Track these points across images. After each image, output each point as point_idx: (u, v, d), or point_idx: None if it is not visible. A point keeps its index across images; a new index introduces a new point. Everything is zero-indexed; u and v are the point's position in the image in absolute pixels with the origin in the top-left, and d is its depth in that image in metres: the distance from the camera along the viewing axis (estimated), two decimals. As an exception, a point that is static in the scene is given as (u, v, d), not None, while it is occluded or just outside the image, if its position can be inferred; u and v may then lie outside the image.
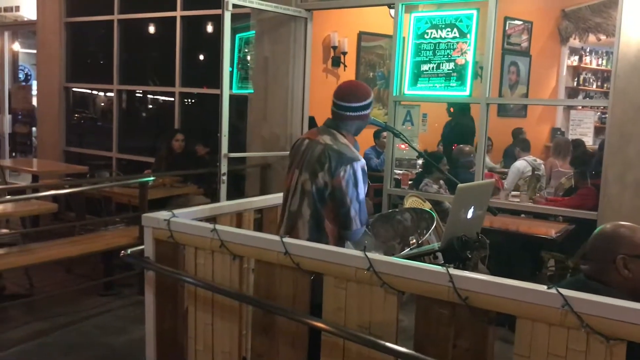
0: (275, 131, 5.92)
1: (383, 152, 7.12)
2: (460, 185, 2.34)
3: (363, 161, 2.67)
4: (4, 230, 5.45)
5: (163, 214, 2.67)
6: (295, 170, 2.74)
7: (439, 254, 2.51)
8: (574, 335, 1.72)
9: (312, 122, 6.00)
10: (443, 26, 5.12)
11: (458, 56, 5.04)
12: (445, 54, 5.09)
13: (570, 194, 5.42)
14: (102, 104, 8.43)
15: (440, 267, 1.94)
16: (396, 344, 2.02)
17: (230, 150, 5.15)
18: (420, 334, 2.03)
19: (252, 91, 6.13)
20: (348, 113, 2.68)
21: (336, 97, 2.72)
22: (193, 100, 7.23)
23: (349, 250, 2.23)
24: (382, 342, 1.99)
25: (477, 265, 2.60)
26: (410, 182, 5.95)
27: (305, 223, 2.68)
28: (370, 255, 2.06)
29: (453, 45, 5.05)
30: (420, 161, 6.52)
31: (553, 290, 1.73)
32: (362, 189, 2.64)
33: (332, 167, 2.59)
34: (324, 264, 2.18)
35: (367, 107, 2.70)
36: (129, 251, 2.73)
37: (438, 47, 5.13)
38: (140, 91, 7.89)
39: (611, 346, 1.66)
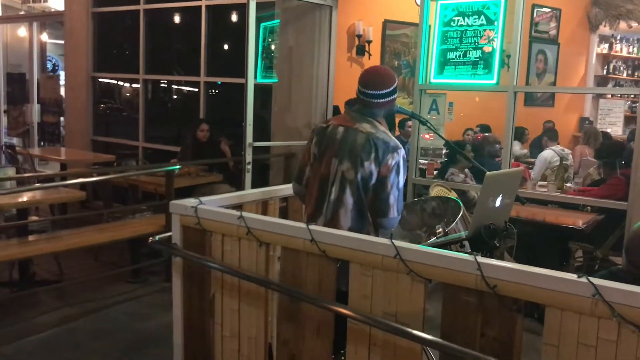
0: (299, 121, 5.92)
1: (408, 142, 7.08)
2: (488, 173, 2.32)
3: (403, 150, 2.67)
4: (34, 218, 5.55)
5: (190, 202, 2.70)
6: (333, 158, 2.69)
7: (466, 243, 2.49)
8: (605, 325, 1.70)
9: (336, 111, 5.99)
10: (470, 13, 5.06)
11: (485, 44, 4.97)
12: (472, 41, 5.03)
13: (598, 185, 5.34)
14: (128, 94, 8.51)
15: (468, 255, 1.93)
16: (423, 332, 2.01)
17: (255, 139, 5.16)
18: (447, 322, 2.02)
19: (277, 80, 6.14)
20: (377, 100, 2.67)
21: (363, 85, 2.70)
22: (218, 90, 7.26)
23: (375, 238, 2.22)
24: (409, 329, 1.99)
25: (503, 255, 2.58)
26: (435, 172, 5.91)
27: (348, 212, 2.66)
28: (397, 242, 2.06)
29: (480, 32, 4.98)
30: (445, 150, 6.47)
31: (584, 279, 1.70)
32: (403, 178, 2.64)
33: (380, 155, 2.58)
34: (350, 251, 2.18)
35: (394, 91, 2.70)
36: (157, 238, 2.76)
37: (465, 34, 5.07)
38: (166, 81, 7.94)
39: (643, 336, 1.64)
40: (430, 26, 5.26)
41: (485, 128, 7.52)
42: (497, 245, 2.31)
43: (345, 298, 2.23)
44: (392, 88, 2.68)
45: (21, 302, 4.53)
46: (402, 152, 2.64)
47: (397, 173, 2.60)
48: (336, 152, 2.68)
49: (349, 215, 2.65)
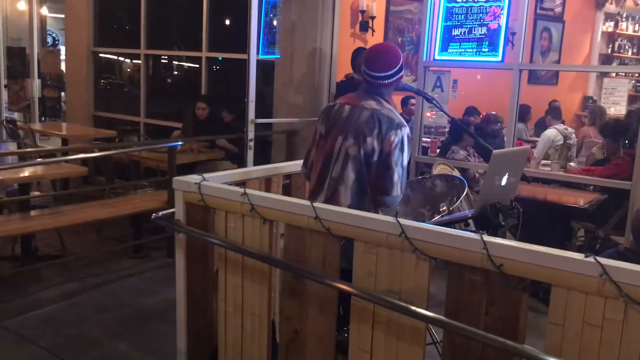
0: (302, 97, 5.87)
1: (411, 120, 7.04)
2: (495, 151, 2.30)
3: (408, 128, 2.65)
4: (36, 193, 5.53)
5: (194, 178, 2.68)
6: (338, 136, 2.69)
7: (471, 221, 2.49)
8: (611, 305, 1.69)
9: (338, 87, 5.94)
10: (476, -11, 4.99)
11: (491, 20, 4.91)
12: (478, 18, 4.97)
13: (602, 164, 5.32)
14: (129, 69, 8.44)
15: (474, 233, 1.92)
16: (427, 310, 2.01)
17: (257, 116, 5.13)
18: (452, 300, 2.02)
19: (279, 57, 6.08)
20: (384, 81, 2.66)
21: (368, 67, 2.68)
22: (220, 66, 7.19)
23: (380, 216, 2.21)
24: (414, 307, 1.99)
25: (505, 235, 2.57)
26: (437, 150, 5.89)
27: (348, 188, 2.66)
28: (402, 220, 2.04)
29: (486, 9, 4.92)
30: (447, 128, 6.43)
31: (591, 259, 1.69)
32: (407, 156, 2.63)
33: (383, 131, 2.57)
34: (355, 229, 2.17)
35: (400, 69, 2.68)
36: (160, 214, 2.75)
37: (470, 11, 5.01)
38: (167, 56, 7.87)
39: (650, 316, 1.63)
40: (435, 2, 5.19)
41: (473, 110, 7.42)
42: (503, 223, 2.30)
43: (348, 276, 2.23)
44: (397, 67, 2.67)
45: (24, 277, 4.54)
46: (406, 129, 2.62)
47: (402, 150, 2.58)
48: (341, 130, 2.68)
49: (349, 192, 2.65)
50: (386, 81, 2.66)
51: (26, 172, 4.80)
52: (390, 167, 2.58)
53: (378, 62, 2.66)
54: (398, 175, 2.59)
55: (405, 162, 2.64)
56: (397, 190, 2.60)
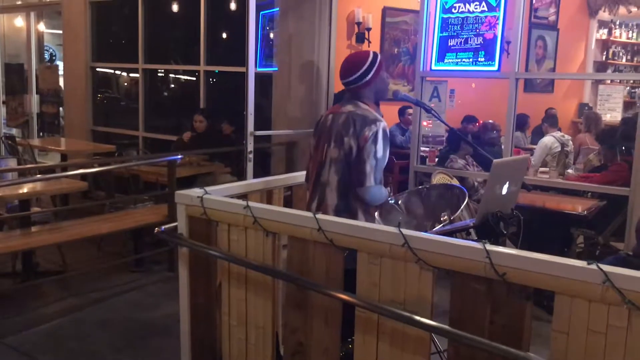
0: (300, 109, 5.91)
1: (408, 129, 7.07)
2: (495, 160, 2.32)
3: (385, 123, 2.75)
4: (36, 209, 5.53)
5: (196, 191, 2.69)
6: (325, 145, 2.83)
7: (472, 230, 2.50)
8: (615, 312, 1.70)
9: (335, 99, 5.97)
10: (471, 0, 5.03)
11: (486, 30, 4.96)
12: (474, 28, 5.01)
13: (599, 171, 5.34)
14: (126, 84, 8.47)
15: (476, 242, 1.93)
16: (431, 319, 2.02)
17: (256, 128, 5.16)
18: (456, 310, 2.03)
19: (277, 69, 6.11)
20: (354, 85, 2.81)
21: (340, 76, 2.86)
22: (218, 79, 7.23)
23: (383, 227, 2.23)
24: (418, 317, 2.00)
25: (505, 243, 2.59)
26: (436, 159, 5.91)
27: (333, 190, 2.78)
28: (405, 231, 2.06)
29: (481, 19, 4.96)
30: (445, 137, 6.46)
31: (594, 266, 1.71)
32: (381, 148, 2.70)
33: (357, 129, 2.70)
34: (358, 240, 2.18)
35: (368, 71, 2.78)
36: (162, 228, 2.76)
37: (466, 21, 5.05)
38: (166, 70, 7.90)
39: (653, 322, 1.64)
40: (430, 13, 5.24)
41: (471, 118, 7.47)
42: (504, 232, 2.32)
43: (351, 275, 2.24)
44: (363, 69, 2.78)
45: (25, 293, 4.54)
46: (381, 124, 2.71)
47: (374, 142, 2.68)
48: (326, 139, 2.83)
49: (335, 193, 2.78)
50: (357, 84, 2.79)
51: (26, 188, 4.80)
52: (363, 159, 2.68)
53: (345, 69, 2.83)
54: (370, 166, 2.68)
55: (380, 154, 2.70)
56: (370, 181, 2.68)
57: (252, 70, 5.05)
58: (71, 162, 6.50)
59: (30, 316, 4.21)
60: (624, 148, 5.22)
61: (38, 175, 5.38)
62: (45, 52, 10.78)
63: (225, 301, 2.69)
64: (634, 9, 8.76)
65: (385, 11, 7.62)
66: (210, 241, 2.70)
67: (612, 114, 8.66)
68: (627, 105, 9.10)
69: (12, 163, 5.50)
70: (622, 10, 8.96)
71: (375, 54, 2.86)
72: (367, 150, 2.67)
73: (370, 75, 2.79)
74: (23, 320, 4.12)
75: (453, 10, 5.13)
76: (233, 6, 6.99)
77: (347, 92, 2.90)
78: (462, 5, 5.09)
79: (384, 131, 2.71)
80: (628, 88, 9.42)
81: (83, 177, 5.74)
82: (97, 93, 8.36)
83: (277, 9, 6.03)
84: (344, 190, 2.75)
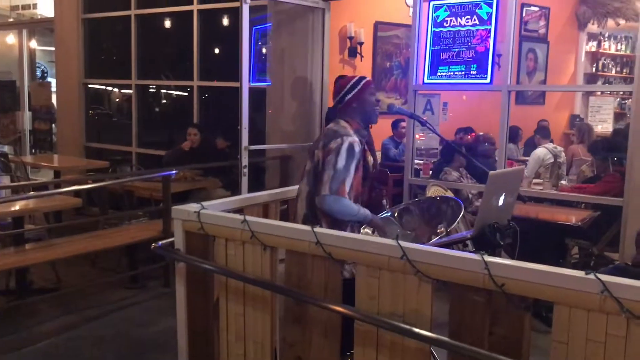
0: (294, 123, 5.93)
1: (401, 142, 7.10)
2: (491, 172, 2.34)
3: (356, 140, 2.81)
4: (30, 226, 5.50)
5: (193, 206, 2.69)
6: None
7: (469, 242, 2.51)
8: (614, 321, 1.71)
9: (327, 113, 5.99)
10: (462, 14, 5.09)
11: (478, 44, 5.00)
12: (465, 41, 5.06)
13: (592, 182, 5.38)
14: (119, 100, 8.48)
15: (474, 254, 1.94)
16: (431, 332, 2.02)
17: (250, 142, 5.17)
18: (455, 321, 2.03)
19: (270, 83, 6.14)
20: (338, 105, 2.97)
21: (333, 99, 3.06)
22: (211, 94, 7.24)
23: (381, 239, 2.23)
24: (418, 330, 2.00)
25: (501, 254, 2.60)
26: (430, 172, 5.93)
27: (303, 199, 2.88)
28: (404, 243, 2.07)
29: (473, 33, 5.01)
30: (439, 149, 6.50)
31: (592, 276, 1.72)
32: (343, 160, 2.74)
33: (326, 142, 2.80)
34: (357, 253, 2.19)
35: (348, 92, 2.92)
36: (159, 243, 2.75)
37: (458, 35, 5.10)
38: (159, 86, 7.92)
39: (652, 331, 1.66)
40: (422, 27, 5.28)
41: (465, 129, 7.53)
42: (502, 243, 2.33)
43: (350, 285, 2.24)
44: (344, 91, 2.95)
45: (19, 311, 4.49)
46: (349, 139, 2.78)
47: (336, 154, 2.75)
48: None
49: (304, 203, 2.88)
50: (340, 105, 2.97)
51: (19, 206, 4.78)
52: (323, 169, 2.76)
53: (333, 91, 3.08)
54: (328, 175, 2.73)
55: (340, 165, 2.73)
56: (325, 190, 2.72)
57: (245, 85, 5.08)
58: (64, 179, 6.47)
59: (25, 335, 4.17)
60: (616, 159, 5.27)
61: (31, 193, 5.35)
62: (37, 68, 10.80)
63: (223, 316, 2.69)
64: (622, 22, 8.86)
65: (377, 25, 7.67)
66: (207, 256, 2.70)
67: (603, 125, 8.73)
68: (618, 116, 9.18)
69: (5, 180, 5.47)
70: (610, 23, 9.07)
71: (360, 78, 2.98)
72: (328, 160, 2.75)
73: (349, 97, 2.92)
74: (18, 339, 4.08)
75: (444, 24, 5.18)
76: (226, 22, 7.03)
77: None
78: (453, 19, 5.14)
79: (350, 145, 2.76)
80: (618, 99, 9.50)
81: (76, 193, 5.72)
82: (89, 109, 8.35)
83: (269, 24, 6.07)
84: (312, 201, 2.83)
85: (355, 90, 2.92)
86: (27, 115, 9.25)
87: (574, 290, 1.76)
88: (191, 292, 2.79)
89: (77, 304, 4.70)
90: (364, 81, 2.96)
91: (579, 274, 1.76)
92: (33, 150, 9.47)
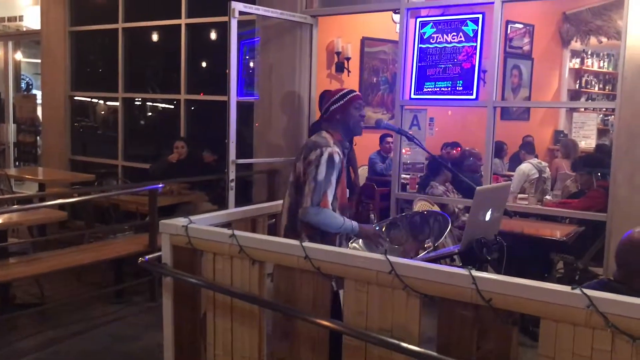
0: (281, 137, 5.94)
1: (388, 157, 7.14)
2: (478, 188, 2.36)
3: (336, 150, 2.82)
4: (14, 240, 5.45)
5: (181, 221, 2.69)
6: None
7: (456, 256, 2.53)
8: (599, 335, 1.73)
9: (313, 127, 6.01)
10: (448, 30, 5.15)
11: (464, 60, 5.06)
12: (451, 58, 5.11)
13: (577, 197, 5.44)
14: (104, 112, 8.44)
15: (462, 269, 1.96)
16: (419, 346, 2.03)
17: (237, 156, 5.17)
18: (443, 336, 2.04)
19: (257, 97, 6.16)
20: (324, 116, 3.01)
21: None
22: (199, 108, 7.24)
23: (369, 254, 2.24)
24: (406, 344, 2.01)
25: (487, 269, 2.62)
26: (416, 186, 5.96)
27: (285, 211, 2.91)
28: (392, 258, 2.08)
29: (459, 50, 5.07)
30: (425, 163, 6.53)
31: (577, 291, 1.74)
32: (323, 171, 2.75)
33: (307, 154, 2.82)
34: (345, 267, 2.20)
35: (333, 103, 2.95)
36: (146, 258, 2.74)
37: (444, 51, 5.16)
38: (145, 99, 7.90)
39: (637, 346, 1.68)
40: (409, 44, 5.34)
41: (451, 144, 7.61)
42: (489, 258, 2.35)
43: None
44: (330, 102, 2.97)
45: (1, 326, 4.43)
46: (329, 150, 2.79)
47: (317, 165, 2.76)
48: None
49: (285, 215, 2.91)
50: (325, 115, 2.99)
51: (2, 219, 4.73)
52: (304, 181, 2.78)
53: (321, 103, 3.05)
54: (309, 188, 2.74)
55: (320, 177, 2.75)
56: (307, 202, 2.73)
57: (233, 98, 5.09)
58: (49, 192, 6.43)
59: (7, 351, 4.10)
60: (599, 174, 5.33)
61: (15, 206, 5.30)
62: (22, 80, 10.73)
63: (211, 331, 2.67)
64: (604, 40, 9.01)
65: (364, 41, 7.75)
66: (195, 270, 2.69)
67: (586, 141, 8.83)
68: (601, 132, 9.30)
69: (-10, 193, 5.42)
70: (593, 40, 9.22)
71: (348, 92, 2.99)
72: (308, 172, 2.77)
73: (334, 107, 2.93)
74: (0, 355, 4.02)
75: (431, 40, 5.24)
76: (214, 36, 7.05)
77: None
78: (439, 35, 5.20)
79: (330, 156, 2.77)
80: (601, 116, 9.63)
81: (61, 206, 5.68)
82: (75, 122, 8.30)
83: (258, 38, 6.10)
84: (293, 212, 2.85)
85: (341, 102, 2.93)
86: (12, 127, 9.18)
87: (560, 305, 1.78)
88: (178, 307, 2.78)
89: (62, 318, 4.64)
90: (351, 95, 2.96)
91: (565, 288, 1.78)
92: (17, 163, 9.39)
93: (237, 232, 2.49)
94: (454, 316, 2.00)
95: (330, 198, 2.75)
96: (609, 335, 1.72)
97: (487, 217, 2.43)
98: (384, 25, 7.54)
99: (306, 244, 2.29)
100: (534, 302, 1.82)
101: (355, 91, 3.03)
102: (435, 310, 2.08)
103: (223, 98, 5.46)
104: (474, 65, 5.02)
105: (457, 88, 5.13)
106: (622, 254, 2.14)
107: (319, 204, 2.71)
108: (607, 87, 10.06)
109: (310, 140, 2.91)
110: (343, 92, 2.98)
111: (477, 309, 1.94)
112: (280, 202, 3.48)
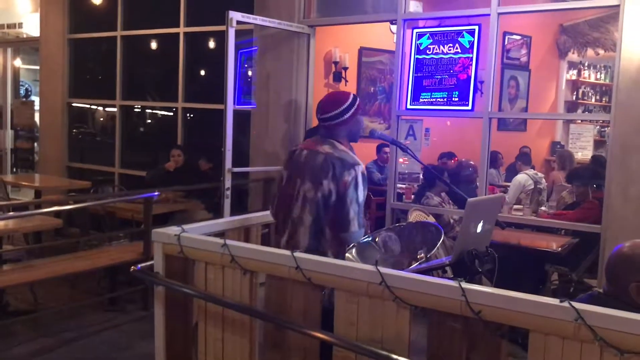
0: (278, 146, 5.95)
1: (385, 167, 7.15)
2: (470, 199, 2.36)
3: (362, 165, 2.79)
4: (8, 247, 5.44)
5: (173, 229, 2.69)
6: (297, 179, 2.84)
7: (448, 268, 2.52)
8: (588, 349, 1.73)
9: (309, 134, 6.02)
10: (445, 41, 5.18)
11: (460, 71, 5.08)
12: (448, 69, 5.14)
13: (572, 208, 5.45)
14: (101, 120, 8.45)
15: (452, 281, 1.96)
16: (409, 358, 2.03)
17: (233, 165, 5.18)
18: (433, 347, 2.04)
19: (254, 106, 6.17)
20: (331, 122, 2.84)
21: (318, 112, 2.90)
22: (196, 116, 7.26)
23: (360, 265, 2.25)
24: (395, 356, 2.00)
25: (481, 280, 2.62)
26: (412, 196, 5.97)
27: (306, 230, 2.79)
28: (383, 269, 2.08)
29: (455, 61, 5.09)
30: (421, 175, 6.55)
31: (566, 304, 1.74)
32: (362, 193, 2.75)
33: (337, 173, 2.72)
34: (336, 278, 2.20)
35: (346, 110, 2.83)
36: (139, 266, 2.74)
37: (440, 62, 5.18)
38: (143, 107, 7.91)
39: (625, 359, 1.68)
40: (405, 54, 5.36)
41: (448, 154, 7.61)
42: (480, 270, 2.35)
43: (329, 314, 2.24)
44: (342, 108, 2.83)
45: (-5, 333, 4.43)
46: (359, 168, 2.76)
47: (356, 188, 2.72)
48: (300, 174, 2.84)
49: (307, 234, 2.78)
50: (333, 122, 2.83)
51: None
52: (345, 204, 2.71)
53: (324, 106, 2.87)
54: (354, 212, 2.72)
55: (361, 199, 2.75)
56: (355, 226, 2.72)
57: (230, 107, 5.11)
58: (45, 199, 6.43)
59: (1, 358, 4.09)
60: (595, 185, 5.34)
61: (10, 213, 5.30)
62: (21, 87, 10.76)
63: (202, 341, 2.67)
64: (601, 52, 9.06)
65: (362, 51, 7.78)
66: (187, 280, 2.69)
67: (583, 152, 8.87)
68: (598, 143, 9.33)
69: (-15, 200, 5.42)
70: (590, 52, 9.27)
71: (355, 97, 2.92)
72: (350, 196, 2.70)
73: (347, 116, 2.84)
74: (-8, 362, 4.02)
75: (427, 51, 5.27)
76: (212, 44, 7.08)
77: (321, 128, 2.93)
78: (436, 46, 5.23)
79: (363, 175, 2.76)
80: (598, 127, 9.67)
81: (57, 214, 5.67)
82: (73, 128, 8.31)
83: (256, 48, 6.12)
84: (317, 232, 2.77)
85: (353, 109, 2.84)
86: (9, 133, 9.19)
87: (548, 317, 1.78)
88: (170, 316, 2.77)
89: (55, 326, 4.63)
90: (358, 100, 2.90)
91: (554, 301, 1.78)
92: (14, 169, 9.39)
93: (229, 242, 2.49)
94: (444, 328, 2.00)
95: None
96: (598, 349, 1.71)
97: (479, 229, 2.44)
98: (382, 35, 7.57)
99: (297, 254, 2.29)
100: (522, 314, 1.82)
101: (356, 95, 2.98)
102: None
103: (220, 106, 5.48)
104: (470, 76, 5.04)
105: (453, 99, 5.14)
106: (611, 268, 2.14)
107: (363, 224, 2.74)
108: (604, 99, 10.10)
109: (334, 157, 2.74)
110: (351, 98, 2.86)
111: (466, 321, 1.94)
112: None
